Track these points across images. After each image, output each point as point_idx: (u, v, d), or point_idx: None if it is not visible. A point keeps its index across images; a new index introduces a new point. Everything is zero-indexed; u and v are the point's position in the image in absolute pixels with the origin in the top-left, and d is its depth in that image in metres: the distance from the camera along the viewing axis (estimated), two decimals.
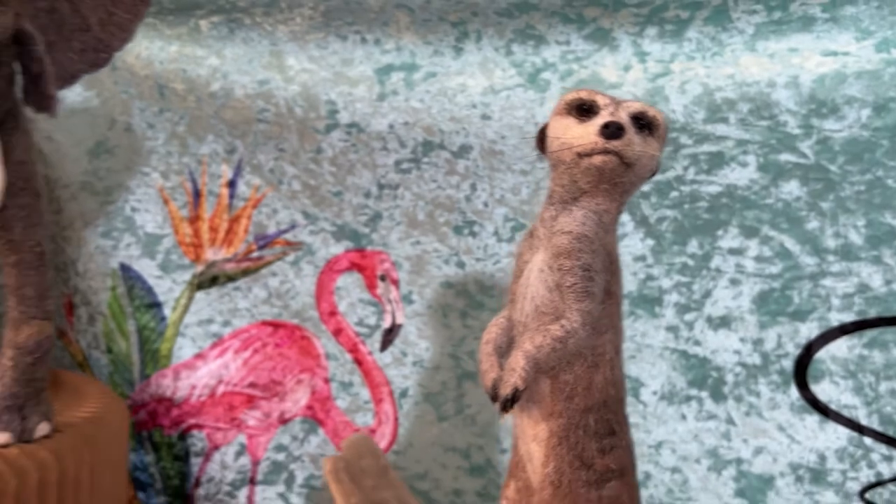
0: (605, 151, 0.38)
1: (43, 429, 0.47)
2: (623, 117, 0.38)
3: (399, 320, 0.67)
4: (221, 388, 0.69)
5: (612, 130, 0.37)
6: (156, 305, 0.71)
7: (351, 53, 0.67)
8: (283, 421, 0.69)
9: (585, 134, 0.38)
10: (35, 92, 0.43)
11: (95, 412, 0.53)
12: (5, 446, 0.46)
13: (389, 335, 0.67)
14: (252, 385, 0.69)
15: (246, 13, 0.68)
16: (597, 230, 0.40)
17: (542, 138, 0.42)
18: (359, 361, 0.68)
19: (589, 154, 0.38)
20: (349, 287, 0.68)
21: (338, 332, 0.68)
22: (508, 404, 0.38)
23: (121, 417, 0.56)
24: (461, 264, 0.65)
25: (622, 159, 0.38)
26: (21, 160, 0.45)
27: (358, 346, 0.68)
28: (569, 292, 0.39)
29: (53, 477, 0.46)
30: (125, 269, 0.71)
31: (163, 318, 0.71)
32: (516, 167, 0.63)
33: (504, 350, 0.42)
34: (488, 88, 0.63)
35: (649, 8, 0.60)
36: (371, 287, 0.68)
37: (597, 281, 0.39)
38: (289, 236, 0.69)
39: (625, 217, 0.61)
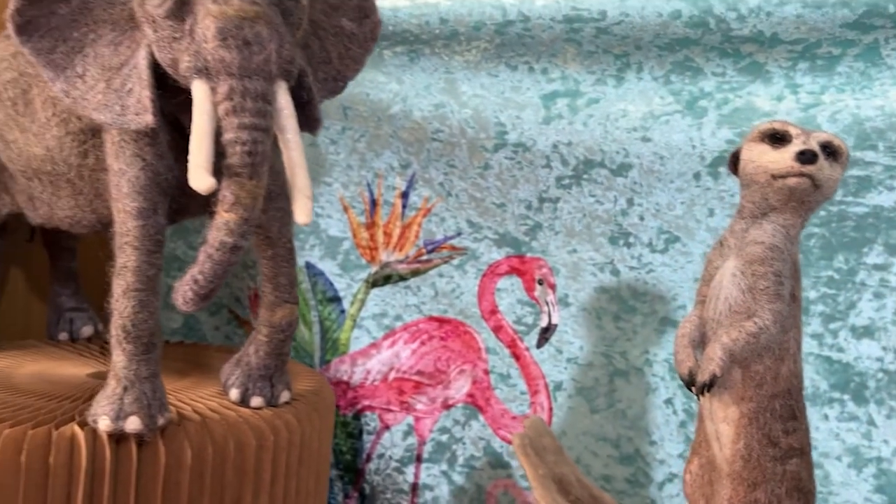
0: (800, 174, 0.44)
1: (285, 396, 0.57)
2: (814, 145, 0.45)
3: (555, 320, 0.74)
4: (392, 375, 0.78)
5: (807, 157, 0.44)
6: (336, 299, 0.80)
7: (519, 81, 0.75)
8: (447, 406, 0.77)
9: (781, 159, 0.45)
10: (303, 115, 0.52)
11: (314, 386, 0.62)
12: (259, 409, 0.55)
13: (546, 333, 0.75)
14: (419, 373, 0.78)
15: (426, 45, 0.76)
16: (785, 241, 0.46)
17: (734, 161, 0.49)
18: (517, 356, 0.75)
19: (784, 176, 0.45)
20: (509, 289, 0.76)
21: (498, 329, 0.76)
22: (706, 389, 0.45)
23: (330, 392, 0.65)
24: (615, 272, 0.72)
25: (814, 182, 0.45)
26: (279, 170, 0.55)
27: (516, 342, 0.75)
28: (762, 294, 0.46)
29: (297, 438, 0.55)
30: (310, 266, 0.80)
31: (342, 311, 0.80)
32: (672, 185, 0.70)
33: (697, 343, 0.48)
34: (648, 114, 0.70)
35: (803, 45, 0.66)
36: (529, 290, 0.75)
37: (785, 285, 0.46)
38: (455, 242, 0.77)
39: None
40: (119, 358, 0.48)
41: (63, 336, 0.71)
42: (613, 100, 0.72)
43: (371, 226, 0.80)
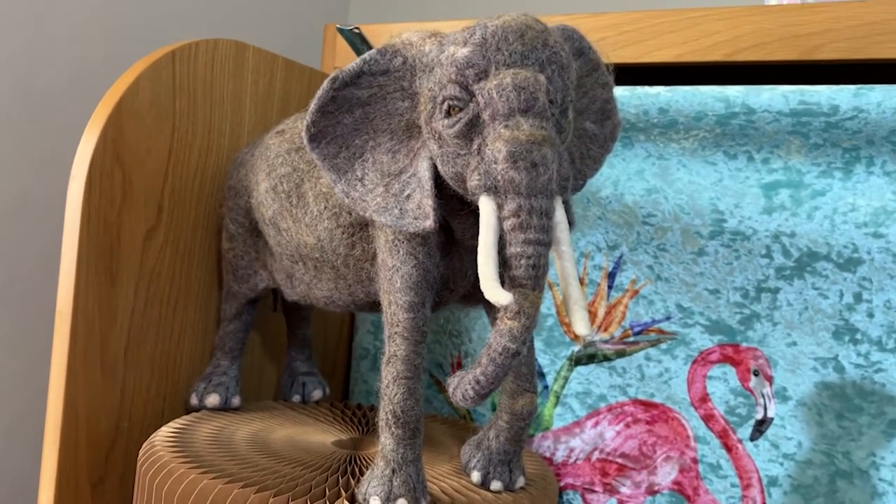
0: None
1: (521, 481, 0.59)
2: None
3: (770, 414, 0.73)
4: (596, 455, 0.79)
5: None
6: (540, 375, 0.82)
7: (738, 170, 0.75)
8: (652, 492, 0.77)
9: None
10: None
11: (539, 470, 0.64)
12: (498, 492, 0.57)
13: (761, 426, 0.73)
14: (624, 455, 0.78)
15: (642, 132, 0.78)
16: None
17: None
18: (728, 447, 0.74)
19: None
20: (721, 377, 0.75)
21: (708, 418, 0.75)
22: None
23: (553, 476, 0.66)
24: (839, 368, 0.70)
25: None
26: None
27: (728, 432, 0.74)
28: None
29: None
30: None
31: (546, 387, 0.82)
32: None
33: None
34: (880, 209, 0.69)
35: None
36: (744, 380, 0.74)
37: None
38: (663, 326, 0.78)
39: None
40: (388, 441, 0.52)
41: (296, 398, 0.77)
42: (840, 193, 0.71)
43: None
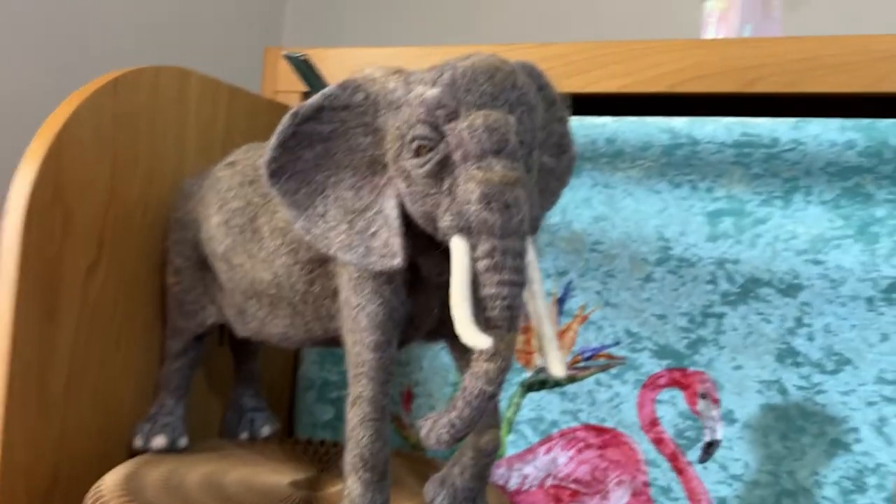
0: None
1: None
2: None
3: (718, 436, 0.75)
4: (549, 481, 0.79)
5: None
6: None
7: (683, 198, 0.77)
8: None
9: None
10: None
11: (498, 501, 0.64)
12: None
13: (709, 449, 0.75)
14: (576, 481, 0.79)
15: (590, 161, 0.80)
16: None
17: None
18: (679, 470, 0.76)
19: None
20: (670, 401, 0.77)
21: (658, 442, 0.77)
22: None
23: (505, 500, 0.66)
24: (783, 390, 0.73)
25: None
26: None
27: (678, 455, 0.76)
28: None
29: None
30: None
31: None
32: (844, 308, 0.71)
33: None
34: (817, 237, 0.72)
35: None
36: (691, 404, 0.76)
37: None
38: (612, 351, 0.79)
39: None
40: (355, 486, 0.51)
41: (244, 436, 0.75)
42: (781, 221, 0.73)
43: (525, 330, 0.82)
